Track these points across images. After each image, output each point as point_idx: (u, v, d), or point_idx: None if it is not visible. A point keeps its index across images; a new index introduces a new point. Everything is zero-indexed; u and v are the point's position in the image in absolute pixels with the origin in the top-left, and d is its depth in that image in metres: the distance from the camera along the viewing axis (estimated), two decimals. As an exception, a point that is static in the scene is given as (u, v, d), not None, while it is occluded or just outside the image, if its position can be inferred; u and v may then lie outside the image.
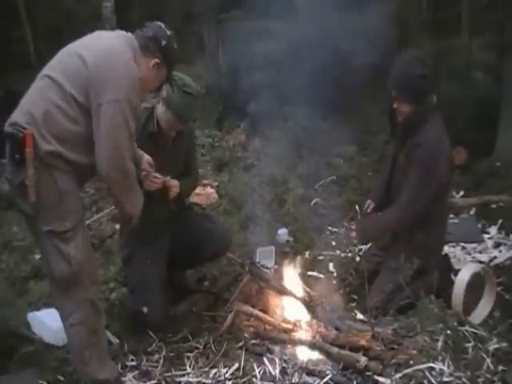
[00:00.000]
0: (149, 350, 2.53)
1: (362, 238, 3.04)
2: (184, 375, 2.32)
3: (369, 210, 3.04)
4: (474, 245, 3.62)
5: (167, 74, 2.18)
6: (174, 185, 2.60)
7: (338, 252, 3.63)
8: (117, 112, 1.90)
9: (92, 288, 2.09)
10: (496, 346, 2.31)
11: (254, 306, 2.64)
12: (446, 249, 3.20)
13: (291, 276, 2.82)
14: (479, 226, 3.92)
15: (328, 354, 2.29)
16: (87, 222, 3.55)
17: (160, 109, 2.56)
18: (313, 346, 2.34)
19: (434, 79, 2.67)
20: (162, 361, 2.43)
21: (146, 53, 2.06)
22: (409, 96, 2.61)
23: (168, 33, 2.11)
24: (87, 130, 1.94)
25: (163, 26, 2.13)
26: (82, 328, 2.06)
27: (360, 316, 2.66)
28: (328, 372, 2.20)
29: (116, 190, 2.03)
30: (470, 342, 2.30)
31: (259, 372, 2.26)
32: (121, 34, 2.09)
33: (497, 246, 3.61)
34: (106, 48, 1.99)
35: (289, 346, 2.42)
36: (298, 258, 3.11)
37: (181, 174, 2.73)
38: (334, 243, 3.79)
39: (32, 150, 1.86)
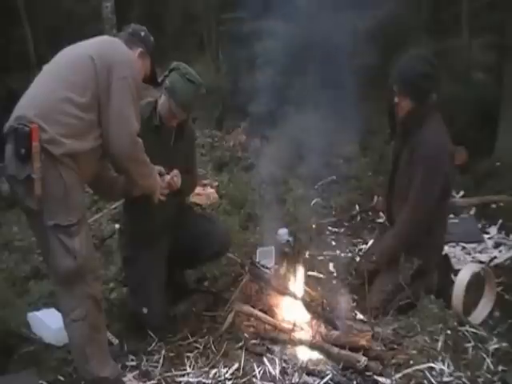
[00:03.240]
0: (149, 349, 2.53)
1: (382, 259, 2.76)
2: (184, 375, 2.32)
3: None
4: (473, 245, 3.62)
5: (151, 64, 2.36)
6: (176, 174, 2.60)
7: (337, 252, 3.63)
8: (125, 88, 2.05)
9: (95, 284, 2.10)
10: (496, 345, 2.31)
11: (253, 306, 2.64)
12: (446, 249, 3.20)
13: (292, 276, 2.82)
14: (479, 226, 3.92)
15: (328, 354, 2.29)
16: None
17: (162, 99, 2.59)
18: (313, 346, 2.35)
19: (438, 80, 2.67)
20: (161, 361, 2.43)
21: (130, 46, 2.24)
22: (411, 93, 2.61)
23: (144, 28, 2.36)
24: (95, 114, 2.03)
25: (138, 25, 2.38)
26: (83, 324, 2.06)
27: (360, 316, 2.66)
28: (328, 372, 2.20)
29: (126, 163, 2.12)
30: (470, 342, 2.31)
31: (259, 372, 2.26)
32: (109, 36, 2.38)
33: (497, 246, 3.62)
34: (105, 40, 2.24)
35: (289, 346, 2.41)
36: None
37: (181, 172, 2.72)
38: (334, 243, 3.79)
39: (38, 144, 1.88)
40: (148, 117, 2.58)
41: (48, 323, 2.56)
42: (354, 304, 2.83)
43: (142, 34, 2.30)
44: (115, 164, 2.21)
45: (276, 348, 2.41)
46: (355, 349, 2.25)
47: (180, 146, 2.72)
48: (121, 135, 2.04)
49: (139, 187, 2.31)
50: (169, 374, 2.34)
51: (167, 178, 2.53)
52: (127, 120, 2.05)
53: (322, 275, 3.23)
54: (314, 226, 3.75)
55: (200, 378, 2.28)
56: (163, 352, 2.49)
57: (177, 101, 2.52)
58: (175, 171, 2.60)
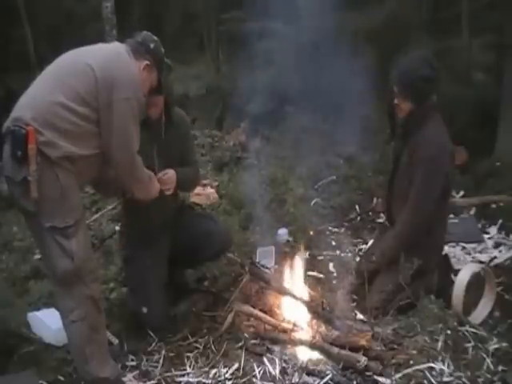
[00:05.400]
0: (149, 349, 2.53)
1: (383, 259, 2.76)
2: (184, 375, 2.33)
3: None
4: (473, 245, 3.61)
5: (158, 77, 2.30)
6: (170, 177, 2.58)
7: (337, 252, 3.64)
8: (127, 109, 2.05)
9: (93, 285, 2.10)
10: (496, 345, 2.31)
11: (253, 306, 2.64)
12: (446, 249, 3.20)
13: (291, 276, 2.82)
14: (479, 226, 3.91)
15: (328, 354, 2.29)
16: (87, 222, 3.55)
17: None
18: (313, 346, 2.34)
19: (439, 82, 2.67)
20: (161, 361, 2.43)
21: (137, 56, 2.19)
22: (411, 95, 2.61)
23: (155, 38, 2.29)
24: (94, 125, 2.03)
25: (150, 33, 2.31)
26: (82, 325, 2.06)
27: (360, 316, 2.66)
28: (328, 372, 2.20)
29: (126, 178, 2.21)
30: (470, 342, 2.31)
31: (259, 372, 2.26)
32: (116, 43, 2.28)
33: (497, 246, 3.61)
34: (110, 52, 2.16)
35: (289, 346, 2.41)
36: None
37: (179, 166, 2.71)
38: (334, 243, 3.79)
39: (35, 146, 1.88)
40: None
41: (48, 323, 2.55)
42: (354, 304, 2.83)
43: (152, 45, 2.24)
44: (117, 177, 2.26)
45: (276, 348, 2.41)
46: (355, 349, 2.25)
47: (172, 136, 2.66)
48: (122, 157, 2.11)
49: (135, 195, 2.36)
50: (169, 374, 2.34)
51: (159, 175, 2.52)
52: (129, 143, 2.10)
53: (321, 275, 3.23)
54: (311, 232, 3.75)
55: (200, 378, 2.28)
56: (163, 352, 2.49)
57: None
58: (166, 170, 2.57)
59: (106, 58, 2.10)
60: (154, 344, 2.56)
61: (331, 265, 3.41)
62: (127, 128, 2.07)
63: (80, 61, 2.06)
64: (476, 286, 2.60)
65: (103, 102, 2.01)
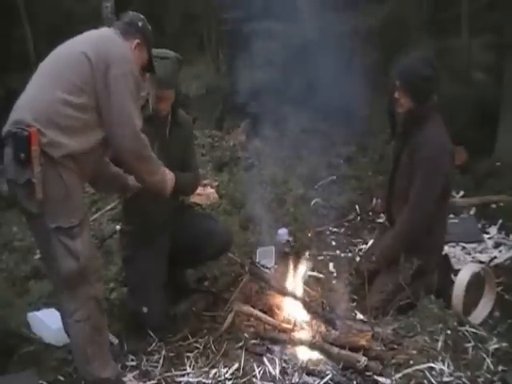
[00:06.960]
0: (149, 349, 2.53)
1: (382, 259, 2.77)
2: (184, 375, 2.33)
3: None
4: (473, 245, 3.62)
5: (148, 55, 2.30)
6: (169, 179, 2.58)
7: (337, 252, 3.64)
8: (124, 84, 2.02)
9: (97, 285, 2.10)
10: (496, 345, 2.31)
11: (253, 306, 2.64)
12: (446, 249, 3.20)
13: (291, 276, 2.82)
14: (479, 226, 3.92)
15: (328, 354, 2.28)
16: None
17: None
18: (313, 345, 2.34)
19: (439, 82, 2.67)
20: (161, 361, 2.43)
21: (127, 36, 2.19)
22: (411, 93, 2.61)
23: (142, 16, 2.29)
24: (94, 112, 2.01)
25: (136, 13, 2.31)
26: (86, 325, 2.06)
27: (360, 316, 2.66)
28: (328, 372, 2.20)
29: (131, 161, 2.12)
30: (470, 342, 2.30)
31: (259, 372, 2.26)
32: (105, 28, 2.27)
33: (497, 246, 3.61)
34: (101, 36, 2.15)
35: (289, 346, 2.41)
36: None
37: (180, 169, 2.71)
38: (334, 243, 3.79)
39: (38, 148, 1.87)
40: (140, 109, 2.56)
41: (48, 323, 2.56)
42: (354, 304, 2.83)
43: (140, 24, 2.24)
44: (121, 163, 2.21)
45: (276, 348, 2.41)
46: (355, 349, 2.25)
47: (176, 136, 2.68)
48: (124, 135, 2.03)
49: (147, 184, 2.28)
50: (169, 374, 2.34)
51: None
52: (129, 118, 2.03)
53: (321, 275, 3.23)
54: (311, 233, 3.75)
55: (200, 378, 2.28)
56: (163, 352, 2.49)
57: (157, 81, 2.48)
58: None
59: (97, 42, 2.09)
60: (154, 344, 2.56)
61: (331, 265, 3.41)
62: (126, 103, 2.02)
63: (74, 51, 2.05)
64: (476, 286, 2.60)
65: (100, 85, 1.99)
